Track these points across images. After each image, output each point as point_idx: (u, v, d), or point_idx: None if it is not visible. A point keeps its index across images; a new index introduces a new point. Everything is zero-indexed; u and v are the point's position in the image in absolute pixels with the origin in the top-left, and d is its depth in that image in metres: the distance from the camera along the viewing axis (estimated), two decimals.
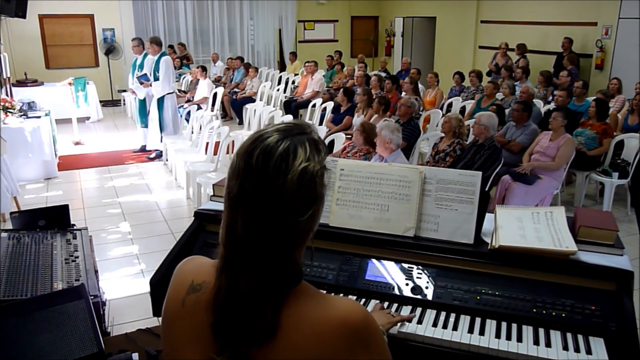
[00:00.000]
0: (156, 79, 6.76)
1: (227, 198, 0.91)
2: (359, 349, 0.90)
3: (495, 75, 9.02)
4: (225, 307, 0.90)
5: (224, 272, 0.91)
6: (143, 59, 7.00)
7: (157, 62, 6.73)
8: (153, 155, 7.09)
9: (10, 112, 6.09)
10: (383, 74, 8.92)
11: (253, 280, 0.89)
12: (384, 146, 3.95)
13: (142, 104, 7.15)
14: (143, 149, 7.32)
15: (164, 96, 6.83)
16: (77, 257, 2.44)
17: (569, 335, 1.60)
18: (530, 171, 4.70)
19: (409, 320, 1.67)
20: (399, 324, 1.65)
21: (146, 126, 7.17)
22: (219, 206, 2.20)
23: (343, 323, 0.88)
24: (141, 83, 6.91)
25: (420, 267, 1.84)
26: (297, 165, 0.87)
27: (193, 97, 8.89)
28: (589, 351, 1.54)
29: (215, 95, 8.64)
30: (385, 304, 1.78)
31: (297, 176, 0.87)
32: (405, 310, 1.74)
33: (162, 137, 6.92)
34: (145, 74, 6.84)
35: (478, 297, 1.73)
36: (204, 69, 8.98)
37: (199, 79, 8.96)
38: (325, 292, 1.46)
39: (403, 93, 7.54)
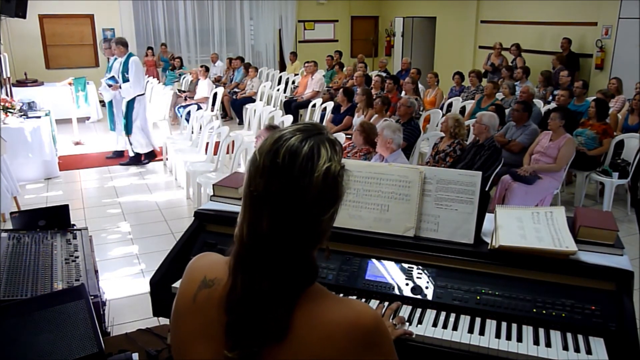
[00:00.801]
0: (126, 80, 6.45)
1: (250, 197, 0.91)
2: (369, 352, 0.90)
3: (491, 75, 9.03)
4: (241, 305, 0.90)
5: (240, 270, 0.92)
6: (114, 61, 6.68)
7: (126, 63, 6.43)
8: (127, 161, 6.78)
9: (10, 112, 6.09)
10: (384, 74, 8.92)
11: (272, 279, 0.89)
12: (386, 146, 3.95)
13: (110, 108, 6.88)
14: (118, 155, 6.99)
15: (133, 99, 6.55)
16: (77, 257, 2.44)
17: (569, 335, 1.60)
18: (530, 172, 4.70)
19: (410, 334, 1.65)
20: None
21: (114, 129, 6.92)
22: (219, 206, 2.21)
23: (354, 325, 0.89)
24: (110, 86, 6.63)
25: (420, 267, 1.84)
26: (322, 165, 0.89)
27: (193, 98, 8.91)
28: (589, 351, 1.53)
29: (215, 95, 8.65)
30: (386, 304, 1.78)
31: (322, 176, 0.89)
32: (405, 310, 1.74)
33: (129, 141, 6.64)
34: (113, 77, 6.55)
35: (478, 297, 1.73)
36: (207, 69, 8.98)
37: (199, 79, 8.97)
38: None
39: (403, 93, 7.54)
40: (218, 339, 0.92)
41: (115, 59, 6.63)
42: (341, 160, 0.94)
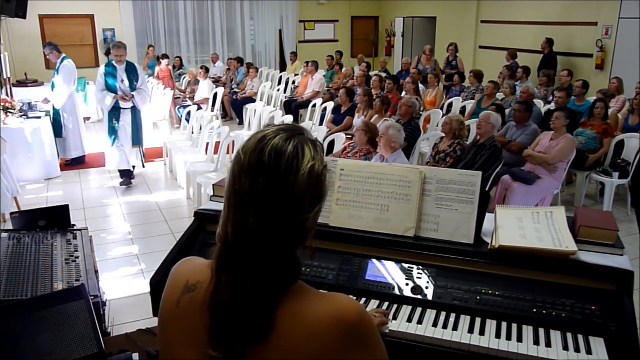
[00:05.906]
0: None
1: (235, 196, 0.91)
2: (355, 345, 0.90)
3: (423, 83, 8.42)
4: (225, 305, 0.90)
5: (223, 270, 0.92)
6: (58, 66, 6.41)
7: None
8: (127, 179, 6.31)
9: (10, 112, 6.08)
10: (383, 74, 8.92)
11: (255, 278, 0.89)
12: (390, 145, 3.95)
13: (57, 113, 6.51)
14: (79, 161, 6.73)
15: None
16: (77, 257, 2.44)
17: (569, 335, 1.60)
18: (530, 171, 4.70)
19: (385, 323, 1.66)
20: (397, 324, 1.65)
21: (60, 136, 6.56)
22: (219, 206, 2.19)
23: (338, 319, 0.89)
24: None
25: (420, 267, 1.84)
26: (306, 164, 0.90)
27: (193, 97, 8.91)
28: (589, 351, 1.53)
29: (215, 95, 8.65)
30: (385, 304, 1.78)
31: (307, 174, 0.90)
32: (405, 310, 1.74)
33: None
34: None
35: (478, 297, 1.73)
36: (206, 70, 8.98)
37: (198, 79, 8.96)
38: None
39: (403, 93, 7.54)
40: (203, 342, 0.92)
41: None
42: (323, 159, 0.95)
